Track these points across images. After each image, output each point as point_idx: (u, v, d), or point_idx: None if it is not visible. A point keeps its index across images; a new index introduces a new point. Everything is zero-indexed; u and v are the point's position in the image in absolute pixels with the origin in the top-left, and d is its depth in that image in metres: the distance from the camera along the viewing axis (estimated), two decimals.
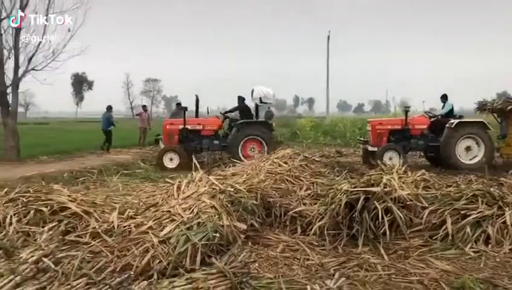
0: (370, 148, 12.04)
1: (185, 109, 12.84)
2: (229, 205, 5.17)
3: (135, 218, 4.94)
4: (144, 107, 21.28)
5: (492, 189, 5.72)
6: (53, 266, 3.73)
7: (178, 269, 3.95)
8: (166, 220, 4.63)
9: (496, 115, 12.51)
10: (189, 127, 12.49)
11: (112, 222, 4.82)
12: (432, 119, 12.45)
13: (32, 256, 3.89)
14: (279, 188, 6.40)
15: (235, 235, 4.77)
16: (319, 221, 5.42)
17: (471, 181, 6.91)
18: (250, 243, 4.97)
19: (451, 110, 12.47)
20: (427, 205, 5.53)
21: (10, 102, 12.73)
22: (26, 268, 3.65)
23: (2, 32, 12.50)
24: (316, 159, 8.41)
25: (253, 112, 13.11)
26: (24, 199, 5.20)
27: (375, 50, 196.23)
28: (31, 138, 17.66)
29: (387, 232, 4.95)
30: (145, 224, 4.58)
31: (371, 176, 5.61)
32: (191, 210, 4.82)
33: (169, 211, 4.83)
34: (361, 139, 13.77)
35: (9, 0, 12.51)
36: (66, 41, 13.26)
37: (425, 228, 5.30)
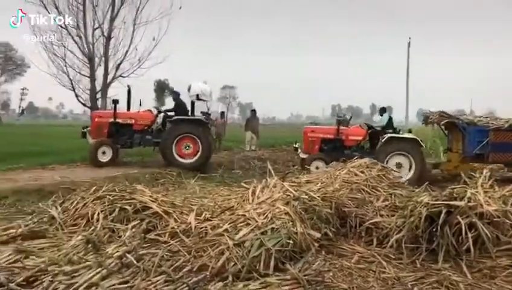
0: (301, 155, 11.81)
1: (116, 101, 12.16)
2: (303, 213, 5.14)
3: (211, 220, 5.07)
4: (222, 113, 22.09)
5: None
6: (135, 262, 3.95)
7: (252, 272, 3.99)
8: (241, 224, 4.71)
9: (443, 128, 11.96)
10: (119, 120, 11.91)
11: (190, 223, 4.99)
12: (370, 131, 12.05)
13: (117, 251, 4.16)
14: (355, 198, 6.25)
15: (308, 243, 4.73)
16: (396, 233, 5.22)
17: None
18: (323, 252, 4.89)
19: (390, 123, 12.06)
20: None
21: (99, 106, 13.66)
22: (112, 262, 3.90)
23: (94, 41, 13.50)
24: (394, 169, 8.11)
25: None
26: (110, 198, 5.56)
27: (460, 57, 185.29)
28: None
29: (472, 249, 4.65)
30: (221, 226, 4.70)
31: (454, 189, 5.30)
32: (265, 215, 4.86)
33: (244, 215, 4.91)
34: (295, 146, 13.08)
35: (101, 12, 13.48)
36: (150, 50, 13.98)
37: None
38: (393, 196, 6.52)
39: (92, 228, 4.96)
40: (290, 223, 4.75)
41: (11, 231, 4.94)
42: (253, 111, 19.59)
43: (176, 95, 12.64)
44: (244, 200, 5.64)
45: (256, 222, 4.68)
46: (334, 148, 11.83)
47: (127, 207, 5.30)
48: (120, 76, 13.87)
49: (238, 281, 3.84)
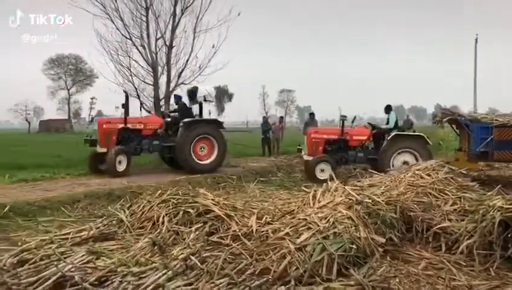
0: (305, 158, 11.47)
1: (124, 105, 11.41)
2: (366, 217, 5.02)
3: (272, 224, 5.08)
4: (281, 118, 22.35)
5: None
6: (199, 264, 4.03)
7: (314, 277, 3.95)
8: (303, 228, 4.66)
9: (454, 126, 11.59)
10: (129, 126, 11.30)
11: (251, 226, 5.03)
12: (374, 131, 11.80)
13: (181, 253, 4.27)
14: (421, 202, 5.99)
15: (372, 248, 4.61)
16: (467, 239, 4.94)
17: None
18: (388, 258, 4.74)
19: (396, 123, 11.82)
20: None
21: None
22: (177, 264, 4.00)
23: (157, 50, 14.02)
24: (463, 171, 7.71)
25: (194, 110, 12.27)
26: (174, 201, 5.72)
27: None
28: None
29: None
30: (282, 230, 4.68)
31: None
32: (327, 219, 4.78)
33: (305, 219, 4.86)
34: (299, 147, 12.50)
35: (163, 22, 13.98)
36: (210, 57, 14.29)
37: None
38: (462, 200, 6.18)
39: (158, 230, 5.13)
40: (353, 227, 4.66)
41: (84, 233, 5.22)
42: (312, 114, 19.44)
43: (177, 99, 12.47)
44: (304, 204, 5.61)
45: (318, 226, 4.62)
46: (338, 149, 11.66)
47: (190, 210, 5.44)
48: (182, 83, 14.29)
49: (300, 286, 3.81)
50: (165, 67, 14.07)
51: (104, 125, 11.15)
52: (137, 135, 11.48)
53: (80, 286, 3.60)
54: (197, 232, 4.97)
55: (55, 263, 4.00)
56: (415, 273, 4.37)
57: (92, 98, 74.12)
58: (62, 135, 44.12)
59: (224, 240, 4.93)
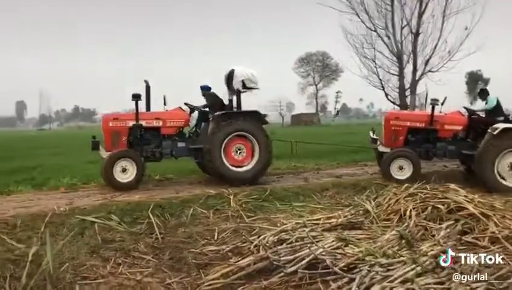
0: (381, 149, 9.12)
1: (137, 97, 8.35)
2: None
3: None
4: None
5: None
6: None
7: None
8: None
9: None
10: (143, 123, 8.54)
11: None
12: (471, 118, 8.98)
13: (431, 250, 4.11)
14: None
15: None
16: None
17: None
18: None
19: (498, 107, 9.02)
20: None
21: (408, 103, 13.73)
22: (426, 260, 3.87)
23: (403, 39, 13.67)
24: None
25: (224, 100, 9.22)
26: (422, 195, 5.56)
27: None
28: None
29: None
30: None
31: None
32: None
33: None
34: (373, 136, 9.46)
35: (408, 10, 13.54)
36: (462, 40, 13.17)
37: None
38: None
39: (405, 224, 5.04)
40: None
41: (333, 220, 5.54)
42: None
43: (205, 90, 9.45)
44: None
45: None
46: (423, 140, 8.97)
47: (439, 206, 5.20)
48: (429, 71, 13.60)
49: None
50: (411, 55, 13.62)
51: (111, 123, 8.56)
52: (155, 135, 8.87)
53: (331, 270, 3.85)
54: (448, 230, 4.69)
55: (308, 245, 4.38)
56: None
57: (337, 92, 78.08)
58: (310, 127, 47.77)
59: (480, 241, 4.52)
